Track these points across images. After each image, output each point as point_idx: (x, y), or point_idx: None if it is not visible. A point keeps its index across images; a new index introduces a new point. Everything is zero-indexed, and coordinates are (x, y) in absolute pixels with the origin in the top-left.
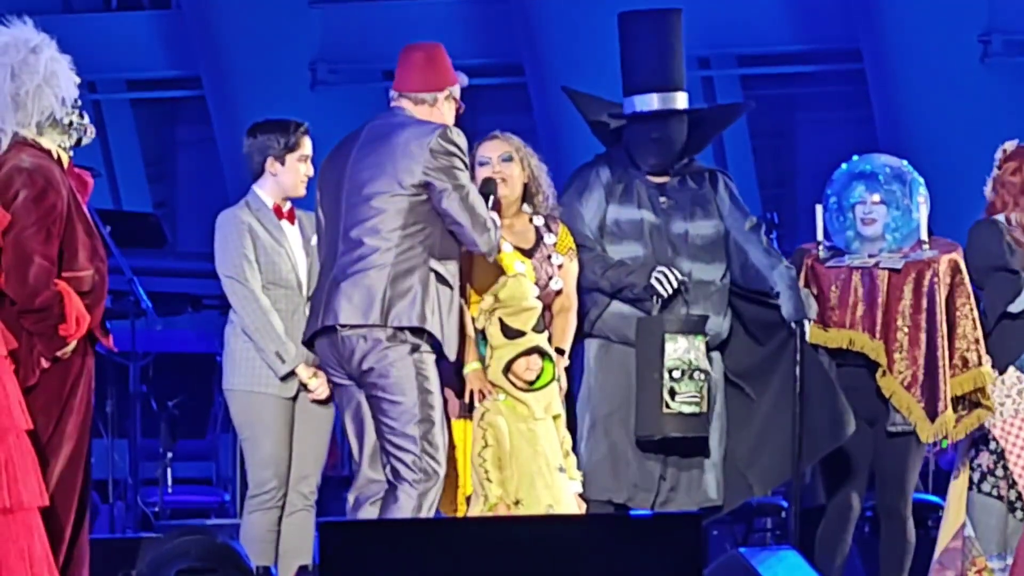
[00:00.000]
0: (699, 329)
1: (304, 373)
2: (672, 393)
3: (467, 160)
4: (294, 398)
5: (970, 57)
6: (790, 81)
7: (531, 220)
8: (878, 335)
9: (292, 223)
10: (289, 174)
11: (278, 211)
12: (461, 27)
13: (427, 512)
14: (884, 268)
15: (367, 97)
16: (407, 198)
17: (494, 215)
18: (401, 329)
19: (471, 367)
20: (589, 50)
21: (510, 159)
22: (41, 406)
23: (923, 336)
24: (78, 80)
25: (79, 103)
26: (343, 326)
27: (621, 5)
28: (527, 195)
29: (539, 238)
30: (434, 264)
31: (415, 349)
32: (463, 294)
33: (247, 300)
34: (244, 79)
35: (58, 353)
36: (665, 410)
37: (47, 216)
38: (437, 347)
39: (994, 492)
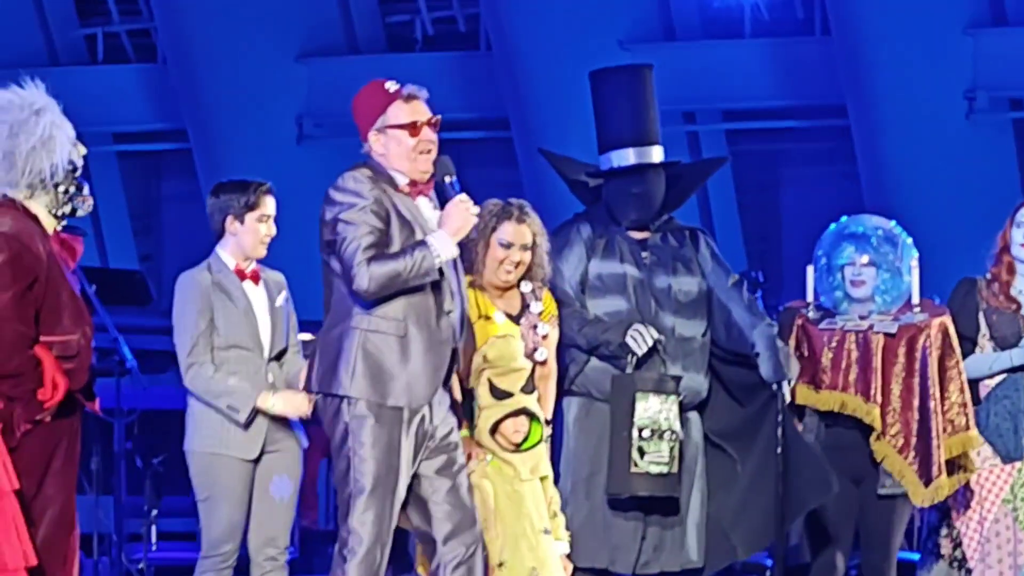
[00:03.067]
0: (672, 389)
1: (263, 402)
2: (641, 452)
3: (363, 197)
4: (256, 460)
5: (955, 114)
6: (775, 136)
7: (518, 286)
8: (872, 398)
9: (256, 283)
10: (248, 234)
11: (240, 273)
12: (448, 81)
13: None
14: (879, 332)
15: (354, 151)
16: (331, 258)
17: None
18: (326, 395)
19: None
20: (574, 105)
21: (529, 247)
22: (23, 468)
23: (916, 400)
24: (83, 151)
25: (77, 172)
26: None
27: (605, 63)
28: (528, 270)
29: (525, 306)
30: (358, 322)
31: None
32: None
33: (193, 369)
34: (230, 133)
35: (37, 417)
36: (633, 469)
37: (22, 282)
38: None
39: (936, 550)
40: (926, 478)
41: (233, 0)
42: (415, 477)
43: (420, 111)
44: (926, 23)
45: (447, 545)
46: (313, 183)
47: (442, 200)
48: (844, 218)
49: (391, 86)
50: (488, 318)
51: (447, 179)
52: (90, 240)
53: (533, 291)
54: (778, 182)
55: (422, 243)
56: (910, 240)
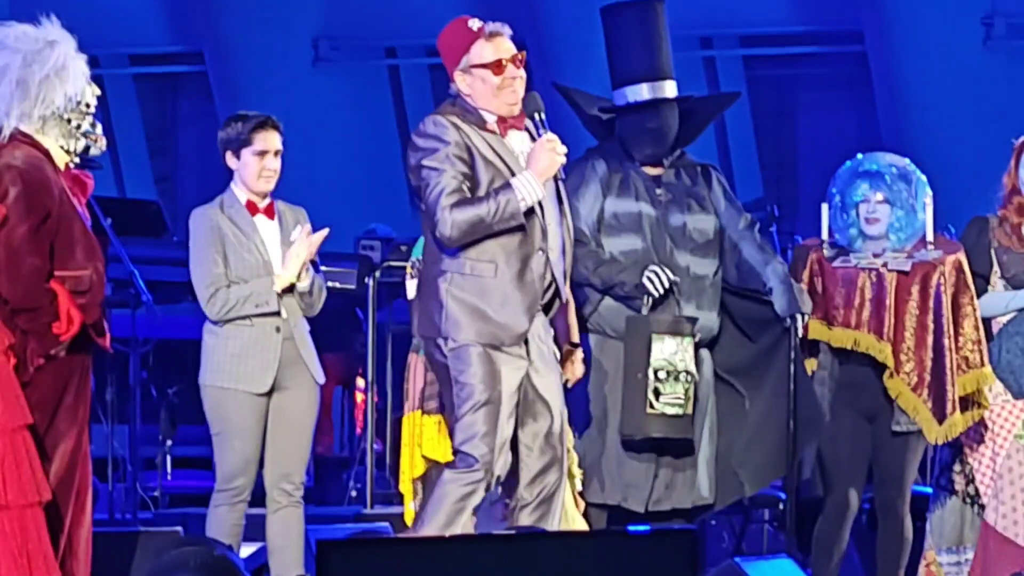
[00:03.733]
0: (688, 331)
1: (280, 281)
2: (657, 393)
3: (445, 142)
4: (268, 394)
5: (973, 40)
6: (792, 62)
7: None
8: (885, 336)
9: (271, 218)
10: (245, 168)
11: (251, 207)
12: (465, 5)
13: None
14: (892, 270)
15: (369, 74)
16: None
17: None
18: (426, 337)
19: None
20: (592, 36)
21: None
22: (35, 403)
23: (930, 338)
24: (96, 91)
25: (90, 110)
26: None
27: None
28: None
29: None
30: (447, 265)
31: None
32: None
33: (213, 296)
34: (246, 55)
35: (51, 352)
36: (649, 410)
37: (37, 215)
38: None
39: (950, 486)
40: (940, 415)
41: None
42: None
43: (503, 48)
44: None
45: (531, 485)
46: (328, 106)
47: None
48: (859, 155)
49: (474, 24)
50: None
51: (536, 116)
52: (107, 162)
53: None
54: (795, 107)
55: (507, 186)
56: (924, 177)
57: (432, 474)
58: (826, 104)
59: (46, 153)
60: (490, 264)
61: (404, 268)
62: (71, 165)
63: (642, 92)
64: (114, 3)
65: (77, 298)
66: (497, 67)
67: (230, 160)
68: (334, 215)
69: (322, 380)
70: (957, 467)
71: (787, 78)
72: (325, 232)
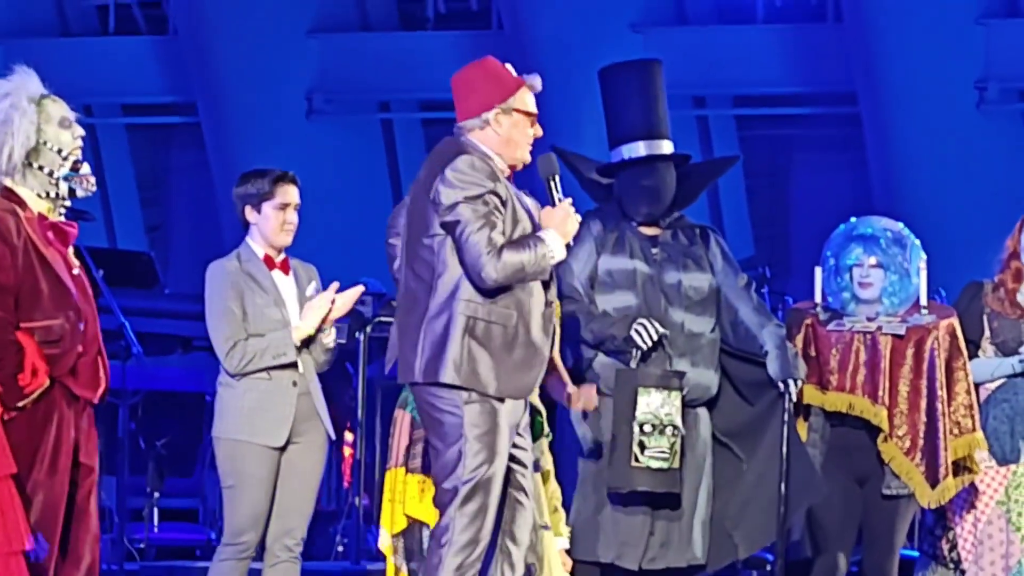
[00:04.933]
0: (676, 385)
1: (299, 333)
2: (642, 447)
3: (487, 184)
4: (283, 448)
5: (966, 103)
6: (785, 122)
7: None
8: (880, 400)
9: (286, 273)
10: (266, 222)
11: (269, 261)
12: (459, 60)
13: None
14: (887, 333)
15: (363, 127)
16: (437, 239)
17: (500, 242)
18: (436, 384)
19: None
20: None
21: None
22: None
23: (923, 402)
24: (79, 132)
25: (67, 153)
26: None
27: (617, 46)
28: None
29: None
30: (467, 309)
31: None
32: None
33: (232, 349)
34: (240, 106)
35: (18, 404)
36: (634, 463)
37: None
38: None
39: (932, 551)
40: (933, 479)
41: None
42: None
43: (534, 104)
44: (939, 11)
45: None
46: (321, 159)
47: (542, 197)
48: (853, 219)
49: (513, 71)
50: None
51: (553, 178)
52: (98, 212)
53: None
54: (788, 168)
55: (540, 239)
56: (918, 242)
57: (415, 531)
58: (819, 165)
59: (21, 203)
60: (512, 313)
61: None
62: (60, 211)
63: (638, 149)
64: (108, 52)
65: (47, 348)
66: (534, 120)
67: (249, 214)
68: (325, 269)
69: (332, 435)
70: (940, 531)
71: (780, 138)
72: (360, 289)
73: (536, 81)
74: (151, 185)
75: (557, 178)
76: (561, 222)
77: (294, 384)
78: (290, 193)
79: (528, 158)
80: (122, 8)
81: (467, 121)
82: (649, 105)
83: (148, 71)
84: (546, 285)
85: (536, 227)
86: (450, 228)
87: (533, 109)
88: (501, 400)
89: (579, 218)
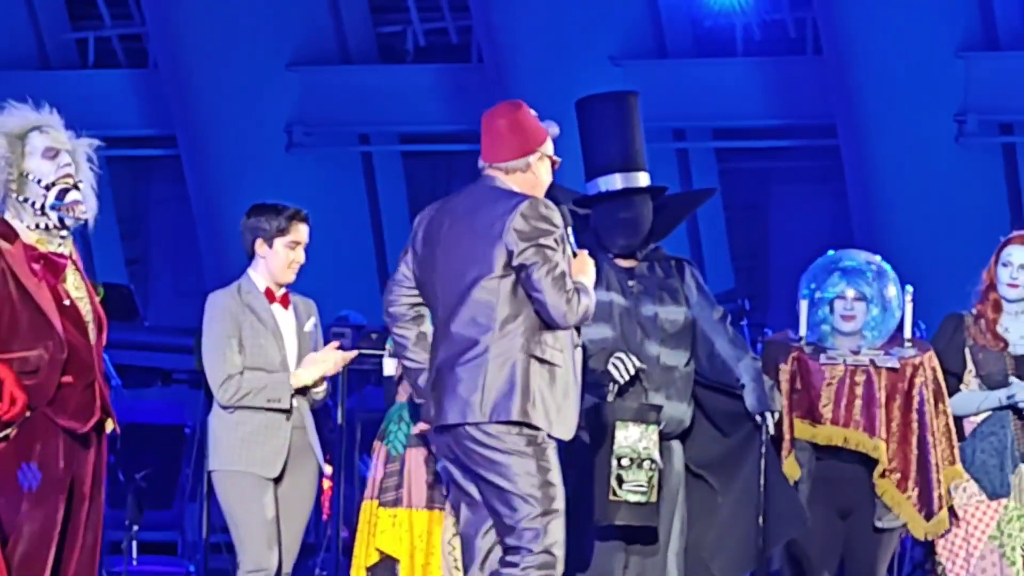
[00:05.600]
0: (653, 419)
1: (296, 380)
2: (620, 481)
3: (557, 227)
4: (277, 480)
5: (945, 136)
6: (765, 155)
7: None
8: (877, 434)
9: (286, 307)
10: (276, 258)
11: (270, 295)
12: (438, 93)
13: None
14: (881, 367)
15: (342, 160)
16: (499, 280)
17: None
18: (505, 423)
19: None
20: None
21: None
22: None
23: (914, 436)
24: (63, 161)
25: (48, 182)
26: (454, 426)
27: (596, 78)
28: None
29: None
30: (531, 349)
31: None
32: None
33: (226, 381)
34: (219, 139)
35: (0, 435)
36: (612, 497)
37: None
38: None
39: None
40: (927, 512)
41: (225, 7)
42: None
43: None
44: (918, 45)
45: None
46: (301, 191)
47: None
48: (831, 252)
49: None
50: None
51: (567, 230)
52: (78, 243)
53: None
54: (767, 201)
55: (584, 285)
56: (895, 276)
57: (389, 564)
58: (798, 197)
59: (13, 236)
60: (561, 353)
61: (374, 355)
62: (58, 242)
63: (615, 182)
64: (88, 84)
65: (25, 379)
66: (556, 165)
67: (259, 247)
68: (310, 291)
69: (327, 470)
70: (929, 566)
71: (759, 171)
72: (355, 354)
73: (555, 128)
74: (131, 218)
75: (570, 229)
76: (591, 270)
77: (287, 418)
78: (302, 232)
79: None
80: (102, 41)
81: (509, 163)
82: (626, 137)
83: (128, 104)
84: (577, 329)
85: None
86: (526, 269)
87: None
88: (556, 439)
89: (593, 264)
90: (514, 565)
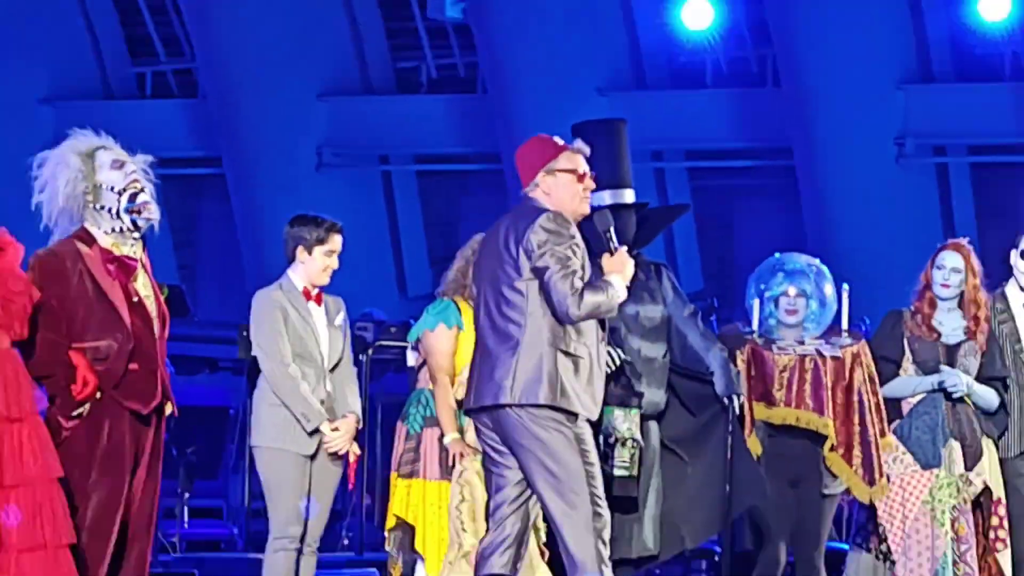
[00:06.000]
0: (635, 404)
1: (326, 428)
2: (605, 457)
3: (570, 236)
4: (312, 456)
5: (886, 157)
6: (731, 173)
7: None
8: (827, 413)
9: (319, 304)
10: (314, 263)
11: (307, 293)
12: (449, 120)
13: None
14: (826, 355)
15: (366, 178)
16: (527, 283)
17: (593, 287)
18: (534, 405)
19: (451, 436)
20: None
21: None
22: (69, 459)
23: (855, 414)
24: (132, 168)
25: (120, 188)
26: (495, 406)
27: (585, 106)
28: None
29: None
30: (555, 342)
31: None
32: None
33: (278, 370)
34: (259, 160)
35: (74, 412)
36: None
37: (46, 296)
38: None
39: (865, 544)
40: (870, 479)
41: (265, 44)
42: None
43: (583, 164)
44: (863, 78)
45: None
46: (330, 205)
47: (599, 248)
48: (777, 255)
49: (559, 140)
50: None
51: (610, 231)
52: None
53: None
54: (732, 214)
55: (608, 282)
56: (831, 275)
57: (406, 528)
58: (759, 210)
59: (86, 240)
60: (585, 347)
61: (393, 347)
62: (131, 243)
63: (604, 198)
64: (146, 112)
65: (96, 365)
66: (580, 177)
67: (300, 253)
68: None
69: (357, 451)
70: (871, 527)
71: (726, 188)
72: (357, 454)
73: (581, 145)
74: (182, 228)
75: (612, 230)
76: (621, 267)
77: (322, 402)
78: (337, 242)
79: (585, 209)
80: (158, 75)
81: (528, 186)
82: (615, 158)
83: (180, 130)
84: (602, 324)
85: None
86: (540, 272)
87: (576, 167)
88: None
89: (632, 262)
90: (565, 524)
